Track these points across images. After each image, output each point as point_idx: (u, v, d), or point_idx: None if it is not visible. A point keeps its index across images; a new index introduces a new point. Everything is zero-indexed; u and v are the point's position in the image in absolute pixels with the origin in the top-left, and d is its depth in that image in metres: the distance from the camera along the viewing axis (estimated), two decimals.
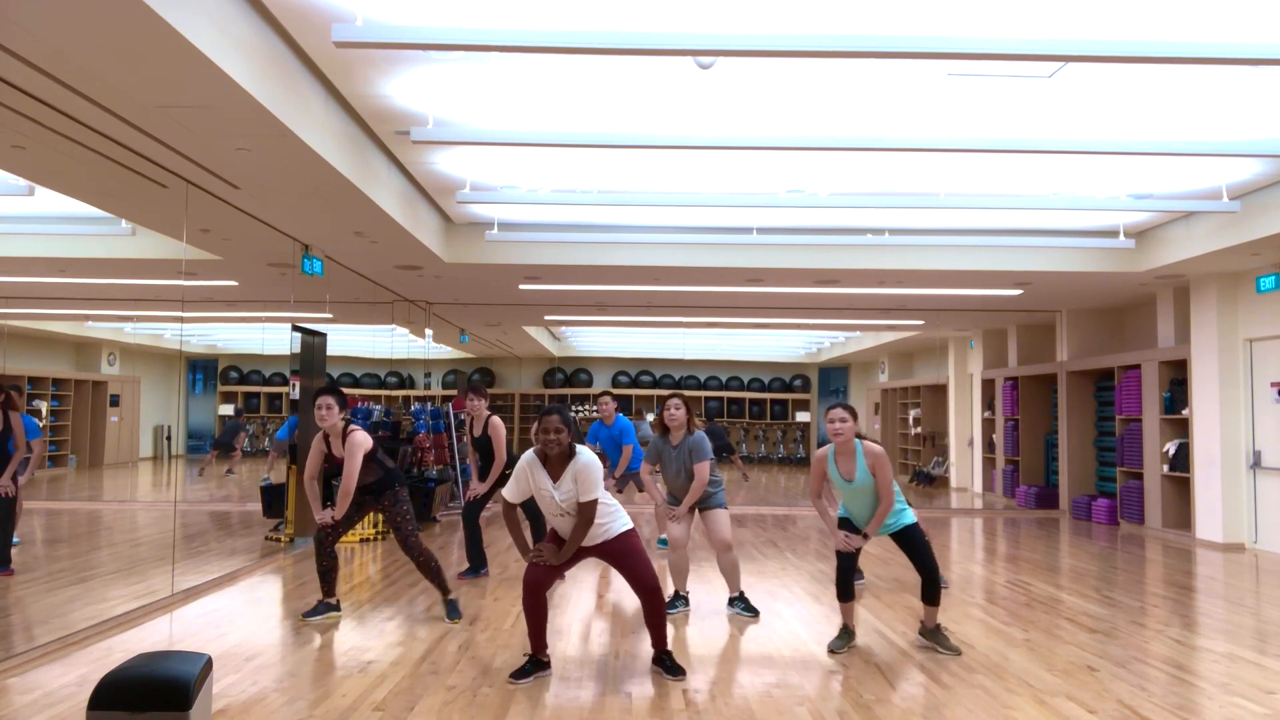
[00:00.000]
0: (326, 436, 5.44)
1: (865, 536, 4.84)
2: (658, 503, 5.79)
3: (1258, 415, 8.89)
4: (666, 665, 4.41)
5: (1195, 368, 9.37)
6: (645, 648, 4.91)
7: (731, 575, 5.76)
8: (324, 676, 4.35)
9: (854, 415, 4.79)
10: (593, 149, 6.17)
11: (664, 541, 8.40)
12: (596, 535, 4.34)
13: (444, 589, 5.54)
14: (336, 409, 5.36)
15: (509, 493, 4.33)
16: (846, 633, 4.95)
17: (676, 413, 5.65)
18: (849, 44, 3.93)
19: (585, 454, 4.23)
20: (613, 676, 4.40)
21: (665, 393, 21.78)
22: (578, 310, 12.92)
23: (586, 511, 4.21)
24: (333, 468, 5.50)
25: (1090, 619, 5.72)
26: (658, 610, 4.37)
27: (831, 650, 4.87)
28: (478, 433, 6.90)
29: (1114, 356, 10.84)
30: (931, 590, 4.83)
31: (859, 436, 4.86)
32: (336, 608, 5.56)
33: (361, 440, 5.36)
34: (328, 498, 8.84)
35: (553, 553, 4.30)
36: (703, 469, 5.55)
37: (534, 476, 4.26)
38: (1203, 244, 7.91)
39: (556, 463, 4.23)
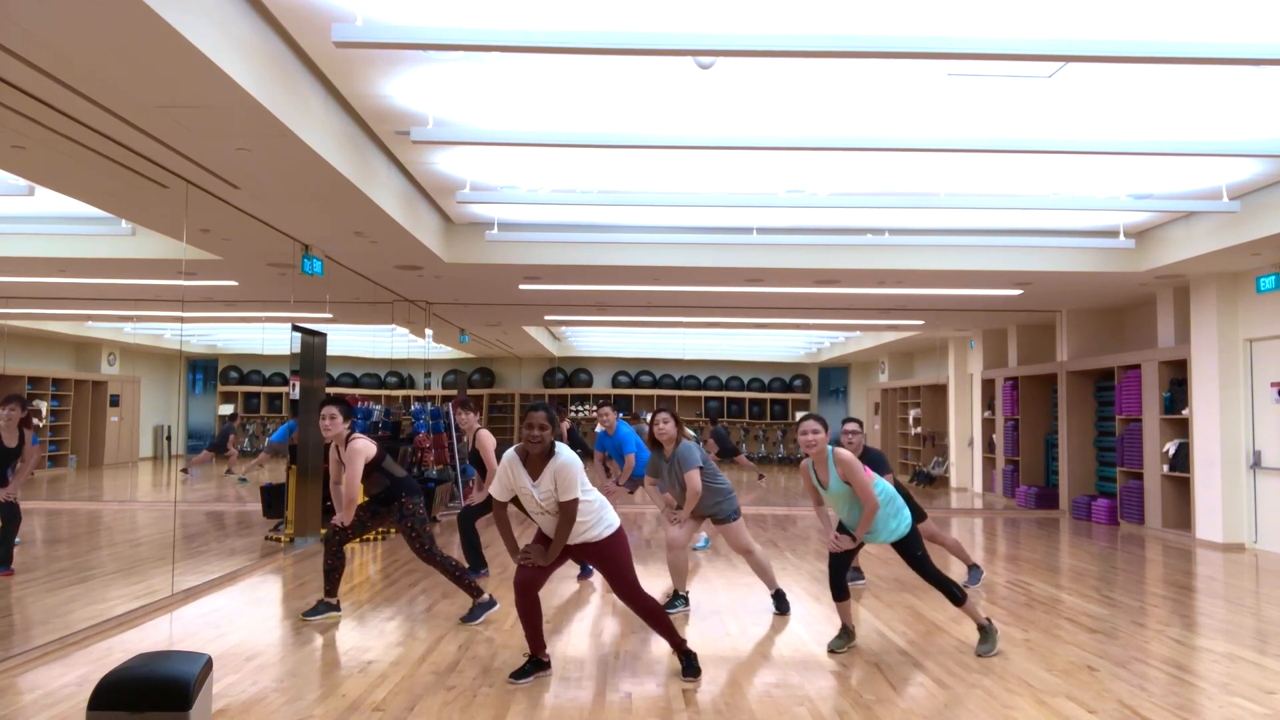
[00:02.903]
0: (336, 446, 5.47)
1: (853, 539, 4.83)
2: (662, 508, 5.87)
3: (1258, 415, 8.89)
4: (682, 666, 4.40)
5: (1195, 368, 9.37)
6: (645, 648, 4.91)
7: (762, 576, 5.84)
8: (324, 676, 4.35)
9: (825, 426, 4.83)
10: (593, 149, 6.17)
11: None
12: (581, 534, 4.30)
13: (473, 592, 5.52)
14: (340, 419, 5.41)
15: (495, 490, 4.30)
16: (846, 633, 4.95)
17: (665, 426, 5.70)
18: (849, 44, 3.93)
19: (565, 453, 4.21)
20: (613, 676, 4.40)
21: (665, 392, 21.79)
22: (578, 310, 12.93)
23: (567, 510, 4.19)
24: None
25: (1090, 619, 5.72)
26: (648, 614, 4.33)
27: (831, 650, 4.87)
28: (470, 446, 6.96)
29: (1114, 356, 10.84)
30: (943, 593, 4.80)
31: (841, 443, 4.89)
32: (337, 608, 5.57)
33: (360, 448, 5.39)
34: (328, 498, 8.86)
35: (539, 554, 4.28)
36: (692, 477, 5.60)
37: (514, 475, 4.24)
38: (1203, 244, 7.91)
39: (537, 461, 4.22)
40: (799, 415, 5.18)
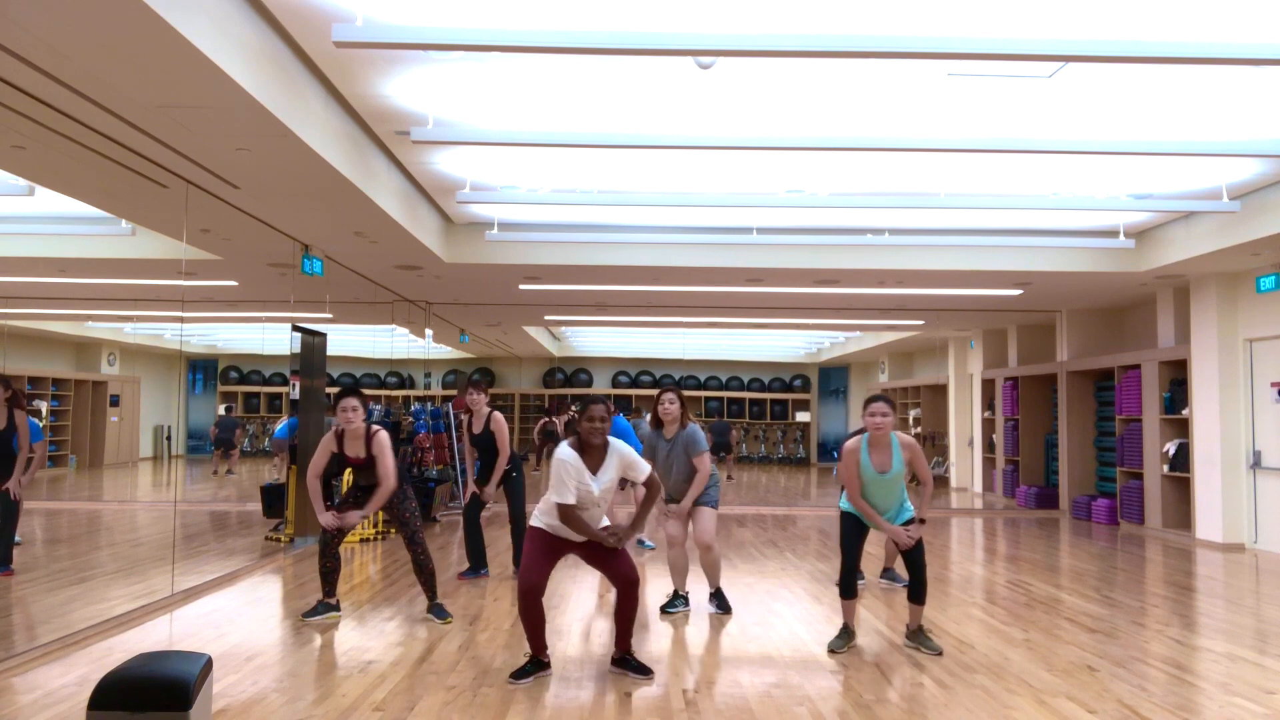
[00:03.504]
0: (339, 436, 5.46)
1: (922, 521, 4.86)
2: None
3: (1258, 415, 8.89)
4: (632, 665, 4.41)
5: (1195, 368, 9.37)
6: (644, 648, 4.91)
7: (712, 572, 5.77)
8: (324, 676, 4.35)
9: (894, 408, 4.85)
10: (593, 149, 6.17)
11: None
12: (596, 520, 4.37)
13: (432, 594, 5.56)
14: (361, 411, 5.45)
15: (563, 495, 4.19)
16: (847, 632, 4.96)
17: (670, 406, 5.59)
18: (849, 44, 3.93)
19: (619, 442, 4.35)
20: (613, 676, 4.40)
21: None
22: (578, 310, 12.93)
23: (654, 486, 4.44)
24: (332, 466, 5.52)
25: (1090, 619, 5.72)
26: (633, 605, 4.36)
27: (831, 650, 4.87)
28: (478, 429, 6.83)
29: (1114, 356, 10.84)
30: (918, 589, 4.85)
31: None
32: (336, 608, 5.57)
33: (388, 439, 5.50)
34: (328, 498, 8.86)
35: (627, 532, 4.39)
36: (703, 461, 5.52)
37: (578, 472, 4.23)
38: (1203, 244, 7.91)
39: (595, 453, 4.28)
40: (867, 397, 5.11)
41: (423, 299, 11.66)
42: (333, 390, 7.68)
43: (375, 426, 5.51)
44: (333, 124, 5.34)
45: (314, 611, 5.51)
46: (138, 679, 3.05)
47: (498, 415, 6.78)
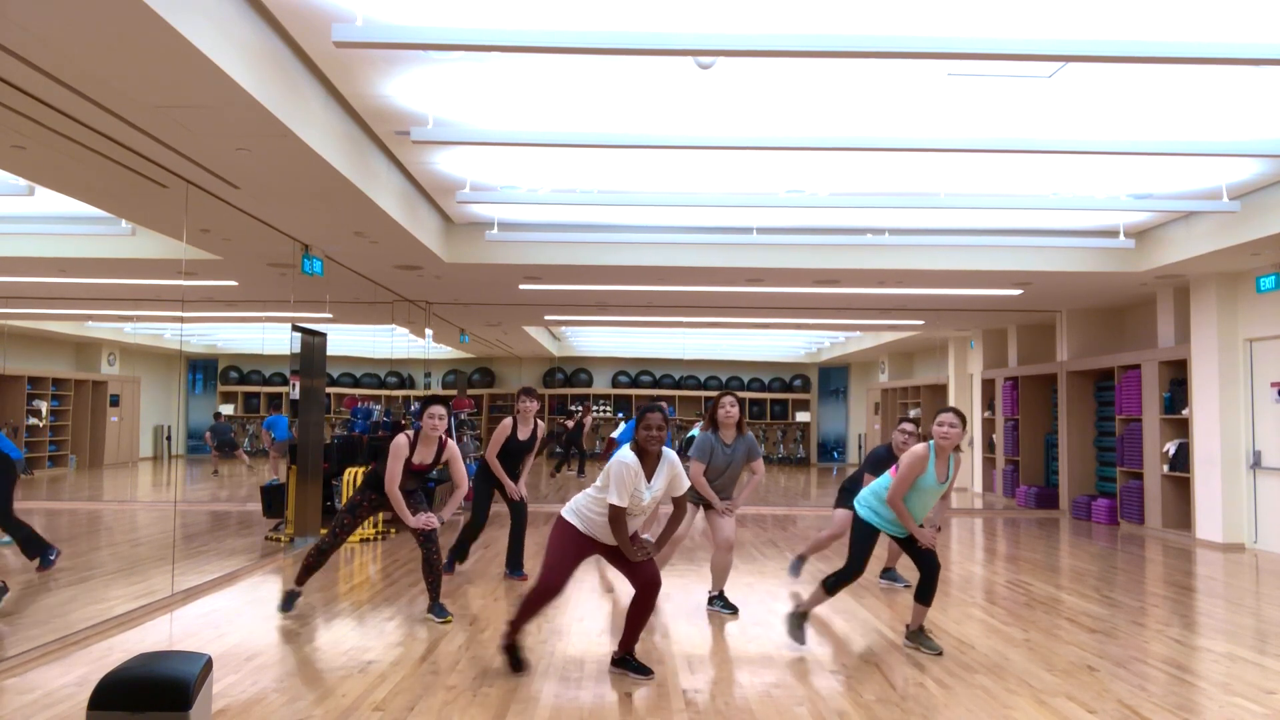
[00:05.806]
0: (413, 444, 5.52)
1: (939, 529, 4.96)
2: (714, 500, 5.69)
3: (1258, 415, 8.89)
4: (633, 666, 4.42)
5: (1195, 368, 9.37)
6: (645, 648, 4.90)
7: (721, 575, 5.78)
8: (324, 676, 4.35)
9: (964, 421, 4.91)
10: (593, 149, 6.17)
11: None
12: (634, 526, 4.37)
13: (435, 593, 5.58)
14: (447, 419, 5.64)
15: (620, 497, 4.18)
16: (801, 618, 5.00)
17: (732, 410, 5.61)
18: (849, 44, 3.93)
19: (672, 453, 4.38)
20: (613, 676, 4.40)
21: (666, 392, 21.77)
22: (578, 310, 12.93)
23: (682, 504, 4.45)
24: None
25: (1090, 619, 5.72)
26: (649, 608, 4.38)
27: (794, 640, 4.97)
28: (525, 436, 6.78)
29: (1114, 356, 10.84)
30: (928, 590, 4.85)
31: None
32: (300, 593, 5.74)
33: (457, 447, 5.76)
34: (328, 498, 8.87)
35: (655, 548, 4.42)
36: (761, 465, 5.75)
37: (636, 478, 4.22)
38: (1203, 244, 7.91)
39: (650, 461, 4.29)
40: (939, 410, 5.17)
41: (423, 299, 11.67)
42: (333, 390, 7.69)
43: (445, 436, 5.71)
44: (333, 124, 5.34)
45: (287, 604, 5.63)
46: (138, 679, 3.05)
47: (540, 423, 6.93)
